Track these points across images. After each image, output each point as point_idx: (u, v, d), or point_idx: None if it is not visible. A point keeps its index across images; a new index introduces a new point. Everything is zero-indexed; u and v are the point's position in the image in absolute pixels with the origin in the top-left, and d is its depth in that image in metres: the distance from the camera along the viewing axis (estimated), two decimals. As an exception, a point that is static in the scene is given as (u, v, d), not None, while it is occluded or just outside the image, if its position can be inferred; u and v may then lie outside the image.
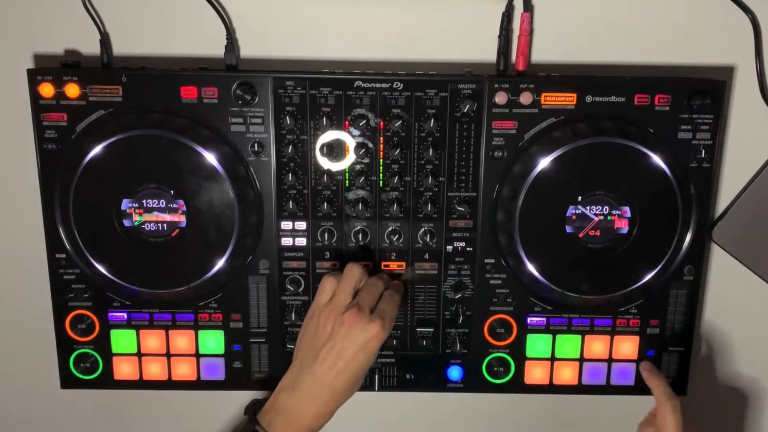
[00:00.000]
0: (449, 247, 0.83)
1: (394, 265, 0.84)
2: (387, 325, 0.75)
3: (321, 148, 0.80)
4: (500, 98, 0.79)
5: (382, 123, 0.80)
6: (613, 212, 0.80)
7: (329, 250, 0.83)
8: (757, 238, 0.89)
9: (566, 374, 0.87)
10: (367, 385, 0.87)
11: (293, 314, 0.84)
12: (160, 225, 0.79)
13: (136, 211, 0.79)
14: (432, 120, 0.79)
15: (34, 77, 0.77)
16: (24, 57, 0.85)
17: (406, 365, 0.87)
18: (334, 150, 0.80)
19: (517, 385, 0.87)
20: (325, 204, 0.81)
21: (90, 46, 0.84)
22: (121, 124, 0.78)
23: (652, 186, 0.79)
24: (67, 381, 0.86)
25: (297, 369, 0.76)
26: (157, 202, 0.79)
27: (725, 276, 0.92)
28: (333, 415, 0.76)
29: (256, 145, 0.80)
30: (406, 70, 0.82)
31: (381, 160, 0.81)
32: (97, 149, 0.77)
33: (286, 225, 0.82)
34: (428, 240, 0.83)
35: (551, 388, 0.87)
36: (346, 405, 0.96)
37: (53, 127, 0.78)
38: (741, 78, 0.86)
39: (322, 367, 0.74)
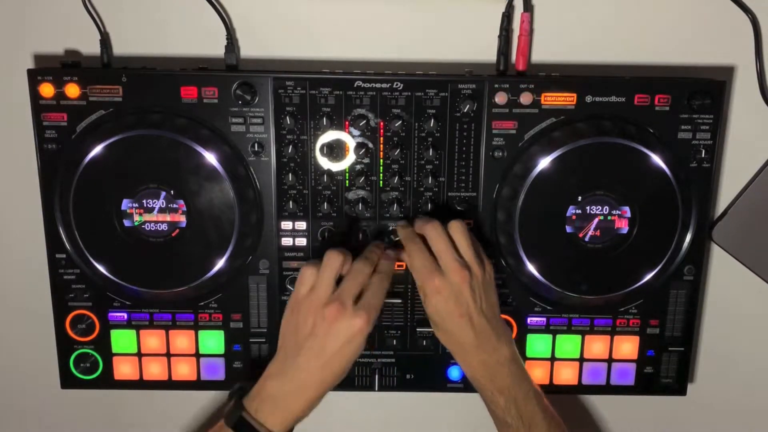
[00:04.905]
0: (449, 247, 0.83)
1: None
2: (372, 317, 0.73)
3: (321, 148, 0.80)
4: (500, 98, 0.79)
5: (382, 123, 0.80)
6: (613, 212, 0.80)
7: (329, 250, 0.83)
8: (757, 238, 0.89)
9: (566, 374, 0.87)
10: (367, 385, 0.87)
11: (293, 314, 0.84)
12: (160, 225, 0.79)
13: (136, 211, 0.79)
14: (432, 120, 0.79)
15: (34, 77, 0.77)
16: (24, 57, 0.85)
17: (406, 365, 0.87)
18: (334, 150, 0.80)
19: (517, 385, 0.87)
20: (325, 204, 0.81)
21: (90, 46, 0.84)
22: (121, 124, 0.78)
23: (652, 186, 0.79)
24: (67, 381, 0.86)
25: (282, 359, 0.75)
26: (157, 202, 0.79)
27: (725, 276, 0.92)
28: (320, 403, 0.75)
29: (256, 145, 0.80)
30: (406, 70, 0.82)
31: (381, 160, 0.81)
32: (97, 149, 0.77)
33: (286, 225, 0.82)
34: (428, 240, 0.83)
35: (551, 388, 0.87)
36: (346, 405, 0.97)
37: (53, 127, 0.78)
38: (741, 78, 0.86)
39: (307, 361, 0.73)
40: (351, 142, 0.80)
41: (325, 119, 0.79)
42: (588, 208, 0.80)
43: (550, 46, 0.85)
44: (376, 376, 0.87)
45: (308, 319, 0.73)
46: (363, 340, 0.73)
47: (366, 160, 0.81)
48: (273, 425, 0.73)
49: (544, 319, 0.85)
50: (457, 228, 0.77)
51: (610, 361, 0.87)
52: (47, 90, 0.77)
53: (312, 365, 0.73)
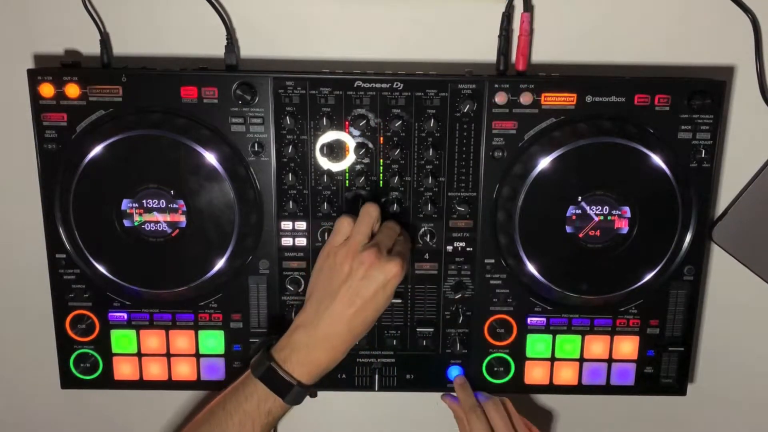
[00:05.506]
0: (449, 247, 0.83)
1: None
2: (405, 266, 0.75)
3: (321, 148, 0.80)
4: (500, 98, 0.79)
5: (382, 123, 0.80)
6: (613, 212, 0.80)
7: (329, 250, 0.83)
8: (757, 238, 0.89)
9: (566, 374, 0.87)
10: (367, 385, 0.87)
11: (293, 314, 0.84)
12: (160, 225, 0.79)
13: (137, 211, 0.79)
14: (432, 120, 0.79)
15: (34, 77, 0.77)
16: (24, 57, 0.85)
17: (406, 365, 0.87)
18: (334, 150, 0.80)
19: (517, 386, 0.87)
20: (325, 204, 0.81)
21: (90, 46, 0.84)
22: (121, 124, 0.78)
23: (652, 186, 0.79)
24: (67, 381, 0.86)
25: (314, 308, 0.76)
26: (157, 202, 0.79)
27: (725, 276, 0.92)
28: (346, 354, 0.77)
29: (256, 145, 0.80)
30: (406, 70, 0.82)
31: (381, 160, 0.81)
32: (97, 149, 0.77)
33: (286, 225, 0.82)
34: (428, 240, 0.83)
35: (551, 388, 0.87)
36: (347, 404, 0.97)
37: (53, 127, 0.78)
38: (741, 78, 0.86)
39: (341, 306, 0.74)
40: (351, 142, 0.80)
41: (325, 119, 0.79)
42: (588, 208, 0.80)
43: (550, 46, 0.85)
44: (376, 376, 0.87)
45: (345, 264, 0.74)
46: (395, 288, 0.75)
47: (366, 160, 0.81)
48: (300, 375, 0.74)
49: (544, 319, 0.85)
50: (511, 408, 0.83)
51: (610, 361, 0.87)
52: (47, 90, 0.77)
53: (345, 312, 0.74)
